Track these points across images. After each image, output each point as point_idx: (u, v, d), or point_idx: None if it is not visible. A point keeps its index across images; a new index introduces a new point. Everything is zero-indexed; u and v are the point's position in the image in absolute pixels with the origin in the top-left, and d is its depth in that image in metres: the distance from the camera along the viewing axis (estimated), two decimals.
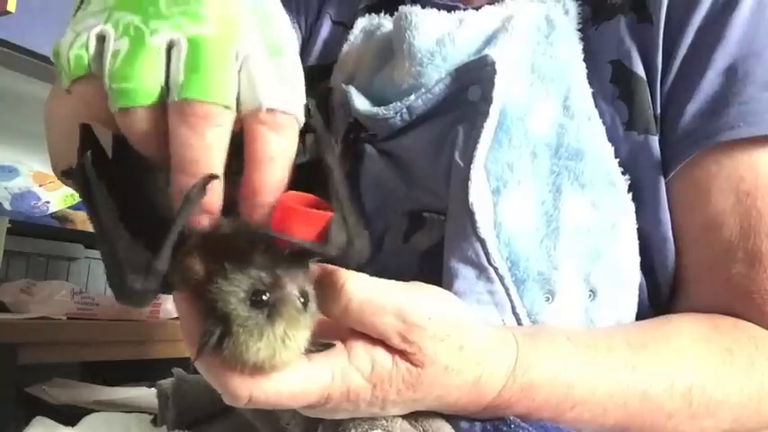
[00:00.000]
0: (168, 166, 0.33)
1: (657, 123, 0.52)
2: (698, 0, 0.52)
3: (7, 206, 1.47)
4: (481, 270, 0.48)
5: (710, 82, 0.51)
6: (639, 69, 0.53)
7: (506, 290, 0.48)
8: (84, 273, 1.46)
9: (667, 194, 0.51)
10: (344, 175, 0.38)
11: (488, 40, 0.55)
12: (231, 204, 0.34)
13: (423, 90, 0.53)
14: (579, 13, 0.57)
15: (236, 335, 0.33)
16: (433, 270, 0.49)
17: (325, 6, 0.71)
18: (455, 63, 0.54)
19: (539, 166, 0.51)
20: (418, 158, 0.55)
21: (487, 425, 0.43)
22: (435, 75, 0.54)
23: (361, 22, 0.65)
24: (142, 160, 0.35)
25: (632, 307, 0.51)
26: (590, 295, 0.49)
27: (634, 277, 0.51)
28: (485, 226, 0.48)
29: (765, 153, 0.50)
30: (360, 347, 0.38)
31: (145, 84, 0.32)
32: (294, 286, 0.34)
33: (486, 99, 0.50)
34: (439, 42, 0.55)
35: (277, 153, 0.33)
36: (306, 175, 0.36)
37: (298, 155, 0.35)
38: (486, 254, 0.48)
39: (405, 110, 0.54)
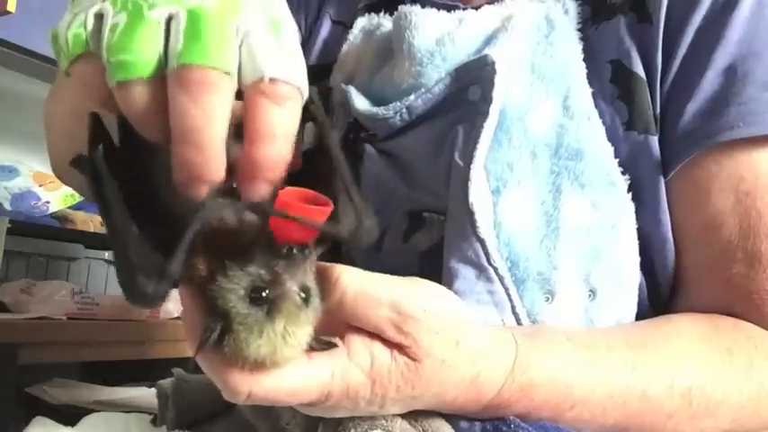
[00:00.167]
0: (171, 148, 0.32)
1: (657, 123, 0.52)
2: (698, 0, 0.52)
3: (7, 206, 1.47)
4: (481, 270, 0.48)
5: (710, 82, 0.51)
6: (639, 69, 0.53)
7: (506, 290, 0.48)
8: (84, 273, 1.45)
9: (667, 194, 0.51)
10: (346, 157, 0.38)
11: (488, 40, 0.55)
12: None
13: (422, 90, 0.53)
14: (579, 13, 0.57)
15: (237, 332, 0.33)
16: (432, 270, 0.49)
17: (324, 6, 0.71)
18: (455, 63, 0.54)
19: (538, 166, 0.51)
20: (418, 158, 0.55)
21: (487, 424, 0.43)
22: (435, 75, 0.54)
23: (361, 22, 0.65)
24: (148, 146, 0.34)
25: (632, 307, 0.51)
26: (590, 295, 0.49)
27: (634, 277, 0.51)
28: (484, 226, 0.48)
29: (765, 153, 0.50)
30: (358, 343, 0.38)
31: (143, 55, 0.31)
32: (294, 282, 0.34)
33: (486, 99, 0.50)
34: (439, 42, 0.55)
35: (279, 127, 0.32)
36: (305, 165, 0.36)
37: (297, 144, 0.35)
38: (486, 254, 0.48)
39: (404, 110, 0.54)
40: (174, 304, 1.35)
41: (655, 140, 0.51)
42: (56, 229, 1.48)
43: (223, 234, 0.34)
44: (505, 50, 0.53)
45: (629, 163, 0.51)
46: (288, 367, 0.35)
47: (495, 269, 0.48)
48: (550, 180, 0.50)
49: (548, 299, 0.49)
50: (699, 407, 0.46)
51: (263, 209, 0.33)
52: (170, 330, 1.35)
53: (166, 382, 0.60)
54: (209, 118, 0.31)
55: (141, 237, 0.34)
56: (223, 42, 0.32)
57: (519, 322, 0.48)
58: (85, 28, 0.32)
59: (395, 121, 0.55)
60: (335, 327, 0.38)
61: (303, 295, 0.34)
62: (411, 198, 0.54)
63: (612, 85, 0.53)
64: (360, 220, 0.36)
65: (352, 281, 0.37)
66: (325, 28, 0.70)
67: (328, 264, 0.38)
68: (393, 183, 0.55)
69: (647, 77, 0.53)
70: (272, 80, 0.32)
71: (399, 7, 0.59)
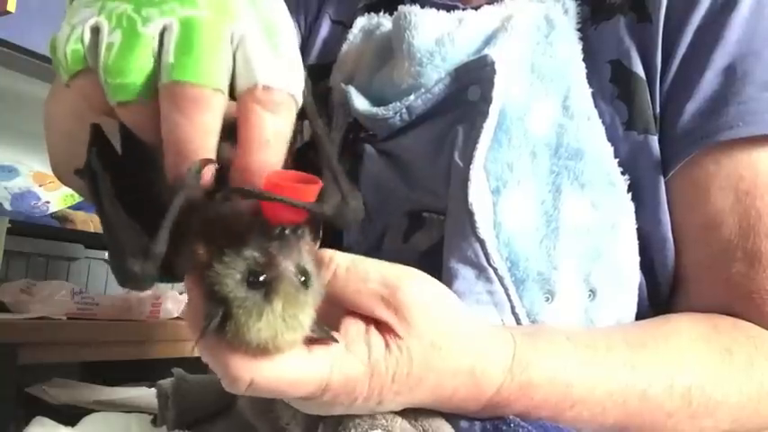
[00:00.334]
0: None
1: (657, 123, 0.52)
2: (697, 0, 0.53)
3: (7, 206, 1.47)
4: (480, 270, 0.48)
5: (710, 81, 0.51)
6: (639, 69, 0.53)
7: (506, 290, 0.48)
8: (84, 273, 1.45)
9: (667, 194, 0.51)
10: (330, 138, 0.38)
11: (488, 40, 0.55)
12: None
13: (422, 90, 0.53)
14: (578, 13, 0.57)
15: (237, 316, 0.33)
16: (432, 270, 0.49)
17: (324, 5, 0.72)
18: (454, 63, 0.54)
19: (538, 166, 0.51)
20: (418, 158, 0.55)
21: (487, 424, 0.43)
22: (435, 75, 0.54)
23: (361, 22, 0.65)
24: (148, 150, 0.35)
25: (632, 307, 0.51)
26: (590, 295, 0.49)
27: (634, 277, 0.51)
28: (484, 226, 0.48)
29: (764, 152, 0.50)
30: (354, 332, 0.38)
31: (141, 77, 0.32)
32: (290, 263, 0.34)
33: (486, 99, 0.50)
34: (438, 42, 0.55)
35: (273, 134, 0.33)
36: (299, 160, 0.36)
37: (294, 141, 0.35)
38: (486, 254, 0.48)
39: (404, 110, 0.54)
40: (173, 304, 1.35)
41: (654, 140, 0.52)
42: (56, 229, 1.48)
43: (219, 221, 0.34)
44: (505, 50, 0.53)
45: (629, 163, 0.51)
46: (289, 356, 0.35)
47: (495, 269, 0.48)
48: (550, 180, 0.50)
49: (547, 299, 0.49)
50: (698, 406, 0.46)
51: (249, 191, 0.33)
52: (170, 330, 1.35)
53: (166, 382, 0.60)
54: (199, 133, 0.32)
55: (132, 224, 0.35)
56: (215, 57, 0.32)
57: (519, 322, 0.48)
58: (83, 43, 0.33)
59: (394, 122, 0.55)
60: (332, 318, 0.38)
61: (302, 278, 0.34)
62: (411, 198, 0.54)
63: (612, 84, 0.53)
64: (345, 200, 0.37)
65: (345, 258, 0.38)
66: (325, 27, 0.70)
67: (321, 249, 0.39)
68: (393, 183, 0.56)
69: (646, 77, 0.53)
70: (265, 87, 0.32)
71: (399, 7, 0.59)
